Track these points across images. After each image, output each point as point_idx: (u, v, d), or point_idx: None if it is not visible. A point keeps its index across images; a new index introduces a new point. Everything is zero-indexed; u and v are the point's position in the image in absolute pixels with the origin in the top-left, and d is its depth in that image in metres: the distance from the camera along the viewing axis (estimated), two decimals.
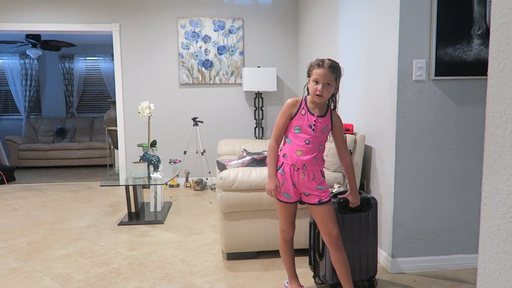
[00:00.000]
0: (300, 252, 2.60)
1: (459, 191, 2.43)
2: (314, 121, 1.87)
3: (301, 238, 2.57)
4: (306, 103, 1.90)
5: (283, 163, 1.92)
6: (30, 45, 6.32)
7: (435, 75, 2.29)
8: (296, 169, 1.89)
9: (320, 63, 1.81)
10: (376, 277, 2.32)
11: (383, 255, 2.51)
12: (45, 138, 7.11)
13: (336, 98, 1.94)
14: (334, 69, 1.82)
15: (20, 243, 2.98)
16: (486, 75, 0.98)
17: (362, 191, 2.23)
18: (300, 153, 1.87)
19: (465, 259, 2.46)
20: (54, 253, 2.78)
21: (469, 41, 2.29)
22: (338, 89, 1.90)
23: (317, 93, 1.81)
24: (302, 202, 1.98)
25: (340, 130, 1.96)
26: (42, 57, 7.47)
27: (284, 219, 2.00)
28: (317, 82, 1.82)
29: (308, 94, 1.92)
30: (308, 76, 1.88)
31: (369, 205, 2.14)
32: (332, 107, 1.95)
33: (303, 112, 1.88)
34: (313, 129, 1.87)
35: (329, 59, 1.84)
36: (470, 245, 2.47)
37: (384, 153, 2.50)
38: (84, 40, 7.17)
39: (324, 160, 1.98)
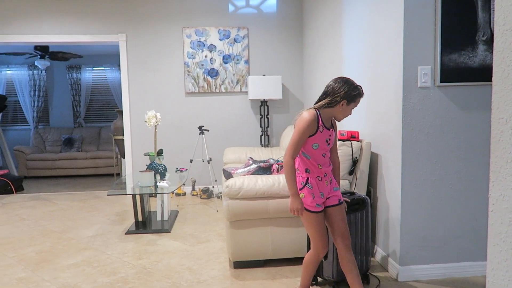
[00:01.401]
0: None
1: (466, 198, 2.41)
2: (329, 135, 1.93)
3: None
4: (321, 118, 1.90)
5: (307, 178, 1.92)
6: (39, 56, 6.41)
7: (440, 82, 2.29)
8: (320, 179, 1.93)
9: (362, 92, 1.91)
10: (384, 285, 2.31)
11: (391, 263, 2.49)
12: (53, 148, 7.17)
13: None
14: None
15: (28, 253, 3.00)
16: (492, 81, 0.98)
17: (355, 192, 2.34)
18: (320, 167, 1.92)
19: (474, 266, 2.43)
20: (61, 262, 2.79)
21: (474, 47, 2.29)
22: None
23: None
24: None
25: (336, 135, 2.05)
26: (50, 68, 7.57)
27: (320, 233, 1.96)
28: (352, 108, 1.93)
29: (322, 107, 1.89)
30: (346, 99, 1.86)
31: (364, 204, 2.30)
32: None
33: (321, 129, 1.90)
34: (328, 143, 1.93)
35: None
36: (479, 252, 2.44)
37: (390, 160, 2.49)
38: (91, 50, 7.26)
39: None
